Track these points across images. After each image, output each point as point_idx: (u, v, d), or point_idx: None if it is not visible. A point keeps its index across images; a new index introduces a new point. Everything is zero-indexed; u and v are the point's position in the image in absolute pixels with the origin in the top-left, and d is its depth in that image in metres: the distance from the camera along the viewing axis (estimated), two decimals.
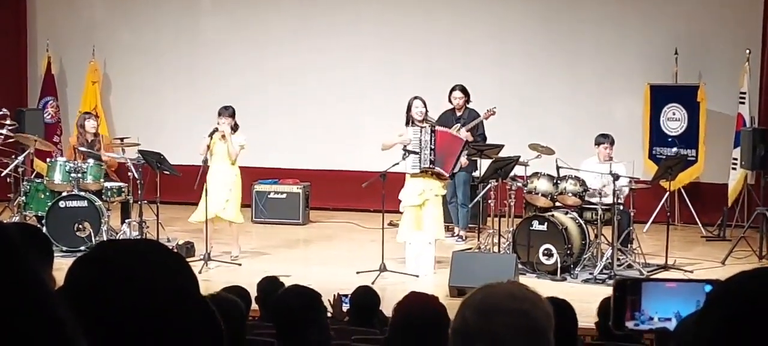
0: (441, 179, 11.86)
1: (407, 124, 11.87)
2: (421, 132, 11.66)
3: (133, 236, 12.72)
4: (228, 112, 12.13)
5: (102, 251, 1.83)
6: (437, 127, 11.88)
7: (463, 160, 12.14)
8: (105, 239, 12.31)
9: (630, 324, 2.62)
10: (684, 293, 2.59)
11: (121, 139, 13.45)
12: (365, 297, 7.36)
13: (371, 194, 12.19)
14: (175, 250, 11.87)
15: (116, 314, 1.67)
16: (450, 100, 13.68)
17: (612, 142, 12.25)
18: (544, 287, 10.19)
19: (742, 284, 1.70)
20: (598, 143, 12.33)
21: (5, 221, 13.01)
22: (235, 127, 12.15)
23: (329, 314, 7.84)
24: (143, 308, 1.69)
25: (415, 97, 11.98)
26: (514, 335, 2.32)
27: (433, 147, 11.62)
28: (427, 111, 11.95)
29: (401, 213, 12.06)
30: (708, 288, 2.37)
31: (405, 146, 11.61)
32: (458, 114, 13.60)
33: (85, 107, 16.30)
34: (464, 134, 13.15)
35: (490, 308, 2.33)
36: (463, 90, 13.67)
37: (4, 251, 1.34)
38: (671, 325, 2.59)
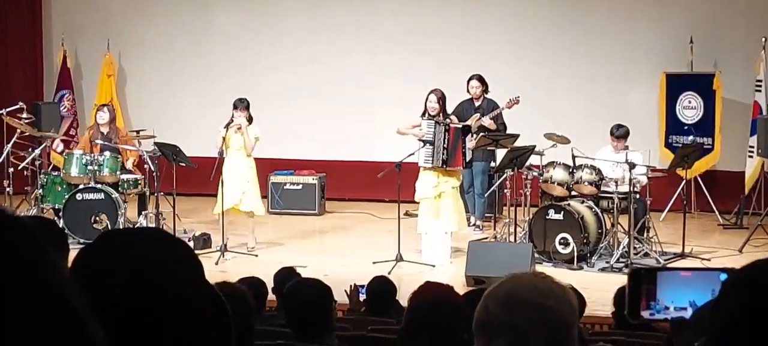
0: (453, 174, 11.83)
1: (423, 115, 11.84)
2: (435, 127, 11.62)
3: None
4: (243, 104, 12.17)
5: (106, 240, 1.84)
6: (452, 125, 11.80)
7: (470, 145, 12.05)
8: None
9: (645, 313, 2.62)
10: (699, 282, 2.58)
11: (137, 131, 13.48)
12: (381, 287, 7.37)
13: (387, 184, 12.20)
14: (191, 239, 11.98)
15: (123, 302, 1.68)
16: (468, 90, 13.65)
17: (626, 134, 12.18)
18: (561, 276, 10.11)
19: (758, 272, 1.70)
20: (612, 135, 12.28)
21: (22, 214, 13.09)
22: (249, 120, 12.18)
23: (347, 305, 7.88)
24: (150, 294, 1.70)
25: (432, 91, 11.93)
26: (538, 329, 2.32)
27: (446, 146, 11.58)
28: (442, 106, 11.86)
29: (417, 203, 12.06)
30: (723, 277, 2.36)
31: (422, 138, 11.60)
32: (477, 104, 13.57)
33: (101, 100, 16.35)
34: (488, 123, 13.13)
35: (514, 300, 2.33)
36: (481, 79, 13.63)
37: (21, 240, 1.35)
38: (687, 314, 2.59)
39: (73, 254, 3.22)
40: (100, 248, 1.79)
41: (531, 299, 2.33)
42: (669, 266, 9.74)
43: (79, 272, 1.71)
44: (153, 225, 12.70)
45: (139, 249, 1.76)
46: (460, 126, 11.85)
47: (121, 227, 12.36)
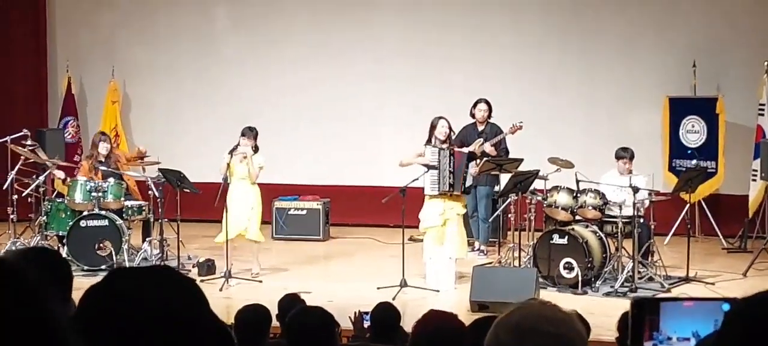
0: (459, 200, 11.84)
1: (428, 143, 11.85)
2: (439, 153, 11.63)
3: (155, 254, 12.80)
4: (252, 133, 12.21)
5: (113, 280, 1.84)
6: (455, 150, 11.83)
7: (473, 171, 12.06)
8: (126, 257, 12.39)
9: (648, 344, 2.62)
10: (702, 312, 2.59)
11: (142, 158, 13.50)
12: (386, 314, 7.35)
13: (391, 209, 12.22)
14: (195, 266, 11.98)
15: (130, 343, 1.69)
16: (472, 114, 13.67)
17: (631, 157, 12.22)
18: (566, 301, 10.19)
19: (761, 305, 1.71)
20: (618, 158, 12.30)
21: (25, 243, 13.10)
22: (255, 149, 12.21)
23: (351, 332, 7.87)
24: (156, 337, 1.70)
25: (440, 118, 11.94)
26: None
27: (451, 170, 11.60)
28: (450, 132, 11.93)
29: (419, 230, 12.05)
30: (726, 307, 2.37)
31: (426, 163, 11.62)
32: (480, 128, 13.58)
33: (106, 127, 16.39)
34: (489, 149, 13.14)
35: (525, 330, 2.36)
36: (488, 103, 13.66)
37: (20, 291, 1.36)
38: (690, 345, 2.59)
39: (76, 282, 3.23)
40: (108, 287, 1.79)
41: (542, 328, 2.36)
42: (671, 296, 9.71)
43: (87, 312, 1.72)
44: (157, 252, 12.72)
45: (147, 290, 1.76)
46: (466, 152, 11.86)
47: (125, 253, 12.38)
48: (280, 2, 16.82)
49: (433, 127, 11.90)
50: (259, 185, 12.39)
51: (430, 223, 11.76)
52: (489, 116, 13.67)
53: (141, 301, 1.74)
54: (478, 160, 12.24)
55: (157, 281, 1.83)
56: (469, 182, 11.97)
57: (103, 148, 13.25)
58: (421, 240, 12.14)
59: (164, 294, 1.77)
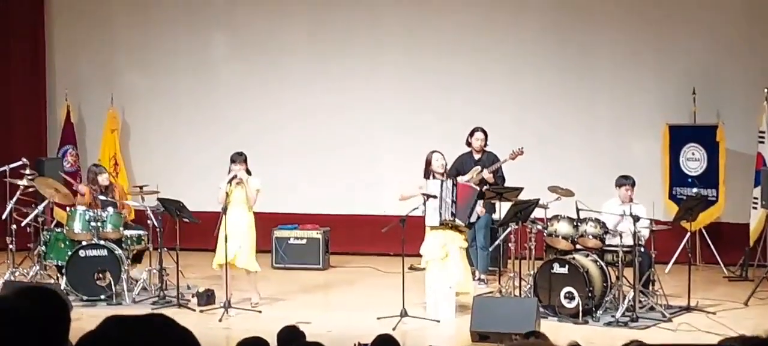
0: (460, 232, 11.80)
1: (426, 177, 11.84)
2: (442, 185, 11.61)
3: (154, 284, 12.75)
4: (241, 158, 12.19)
5: (107, 328, 1.81)
6: (458, 180, 11.81)
7: (479, 209, 12.05)
8: (125, 287, 12.35)
9: None
10: None
11: (141, 187, 13.49)
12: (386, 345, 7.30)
13: (391, 238, 12.19)
14: (195, 296, 11.93)
15: None
16: (468, 143, 13.65)
17: (633, 184, 12.20)
18: (566, 331, 10.16)
19: None
20: (619, 185, 12.27)
21: (25, 274, 13.07)
22: (248, 172, 12.18)
23: None
24: None
25: (434, 151, 11.96)
26: None
27: (454, 199, 11.57)
28: (446, 163, 11.93)
29: (420, 257, 12.00)
30: None
31: (426, 193, 11.60)
32: (477, 157, 13.57)
33: (105, 156, 16.38)
34: (487, 176, 13.14)
35: None
36: (484, 132, 13.66)
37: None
38: None
39: (76, 312, 3.19)
40: (102, 336, 1.76)
41: None
42: (666, 344, 9.65)
43: None
44: (157, 282, 12.68)
45: (141, 339, 1.73)
46: (478, 190, 11.85)
47: (124, 283, 12.34)
48: (279, 30, 16.82)
49: (428, 162, 11.91)
50: (255, 213, 12.35)
51: (431, 255, 11.73)
52: (485, 145, 13.66)
53: None
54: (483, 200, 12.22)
55: (152, 330, 1.79)
56: (474, 218, 11.93)
57: (103, 179, 13.26)
58: (422, 269, 12.10)
59: (158, 344, 1.73)
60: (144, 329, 1.82)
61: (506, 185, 13.14)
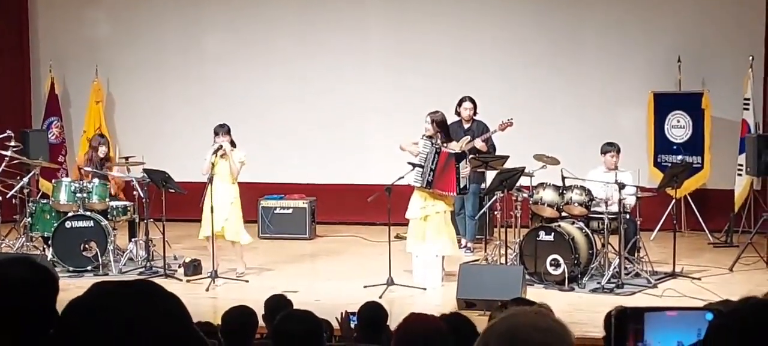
0: (443, 199, 11.80)
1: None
2: (428, 153, 11.62)
3: (141, 255, 12.74)
4: (224, 129, 12.14)
5: (95, 295, 1.81)
6: (443, 148, 11.77)
7: (465, 171, 12.02)
8: (112, 258, 12.33)
9: None
10: (686, 322, 2.56)
11: (126, 158, 13.47)
12: (372, 313, 7.32)
13: (377, 207, 12.20)
14: (182, 266, 11.92)
15: None
16: (457, 112, 13.64)
17: (618, 151, 12.21)
18: (552, 298, 10.19)
19: (743, 316, 1.70)
20: (604, 152, 12.28)
21: (11, 246, 13.05)
22: (232, 144, 12.16)
23: (337, 333, 7.84)
24: None
25: (429, 113, 11.97)
26: None
27: (433, 168, 11.57)
28: (437, 130, 11.82)
29: (407, 225, 12.05)
30: (709, 316, 2.36)
31: (410, 162, 11.62)
32: (466, 126, 13.57)
33: (90, 127, 16.34)
34: (480, 145, 13.15)
35: (514, 338, 2.32)
36: (473, 101, 13.65)
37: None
38: None
39: (62, 283, 3.20)
40: (89, 303, 1.76)
41: (531, 338, 2.32)
42: (655, 306, 9.67)
43: (68, 326, 1.69)
44: (143, 252, 12.67)
45: (128, 306, 1.73)
46: (453, 153, 11.79)
47: (110, 254, 12.32)
48: (267, 3, 16.77)
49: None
50: (240, 184, 12.34)
51: (410, 214, 11.81)
52: (474, 114, 13.67)
53: (122, 317, 1.71)
54: (468, 161, 12.21)
55: (139, 296, 1.79)
56: (463, 184, 11.90)
57: (102, 151, 13.26)
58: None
59: (145, 311, 1.73)
60: (131, 294, 1.82)
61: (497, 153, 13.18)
